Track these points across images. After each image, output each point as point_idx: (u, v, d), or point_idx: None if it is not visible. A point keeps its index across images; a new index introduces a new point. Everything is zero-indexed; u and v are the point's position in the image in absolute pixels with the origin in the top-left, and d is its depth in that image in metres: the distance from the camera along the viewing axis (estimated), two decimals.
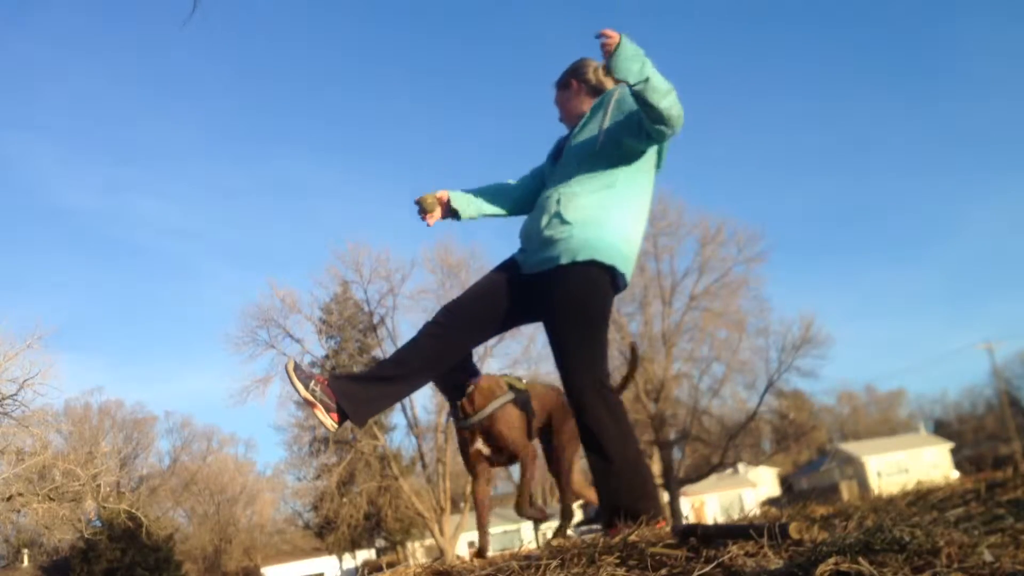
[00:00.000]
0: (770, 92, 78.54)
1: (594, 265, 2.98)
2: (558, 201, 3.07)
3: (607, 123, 3.07)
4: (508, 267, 3.21)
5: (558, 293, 3.01)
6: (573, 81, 3.35)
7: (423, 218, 3.28)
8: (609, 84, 3.29)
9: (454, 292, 33.23)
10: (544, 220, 3.08)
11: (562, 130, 3.42)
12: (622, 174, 3.08)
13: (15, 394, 22.56)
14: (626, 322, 33.25)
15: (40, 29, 66.84)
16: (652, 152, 3.15)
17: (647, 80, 2.79)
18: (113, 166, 73.98)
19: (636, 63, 2.79)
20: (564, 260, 2.98)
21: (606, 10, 73.24)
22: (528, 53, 79.88)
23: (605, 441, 2.97)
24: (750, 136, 77.45)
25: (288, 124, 77.60)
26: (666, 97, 2.84)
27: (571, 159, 3.15)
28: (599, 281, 3.00)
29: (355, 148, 78.10)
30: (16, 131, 69.25)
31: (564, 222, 3.02)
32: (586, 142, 3.12)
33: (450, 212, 3.33)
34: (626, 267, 3.08)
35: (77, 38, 70.20)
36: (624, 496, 2.92)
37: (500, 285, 3.16)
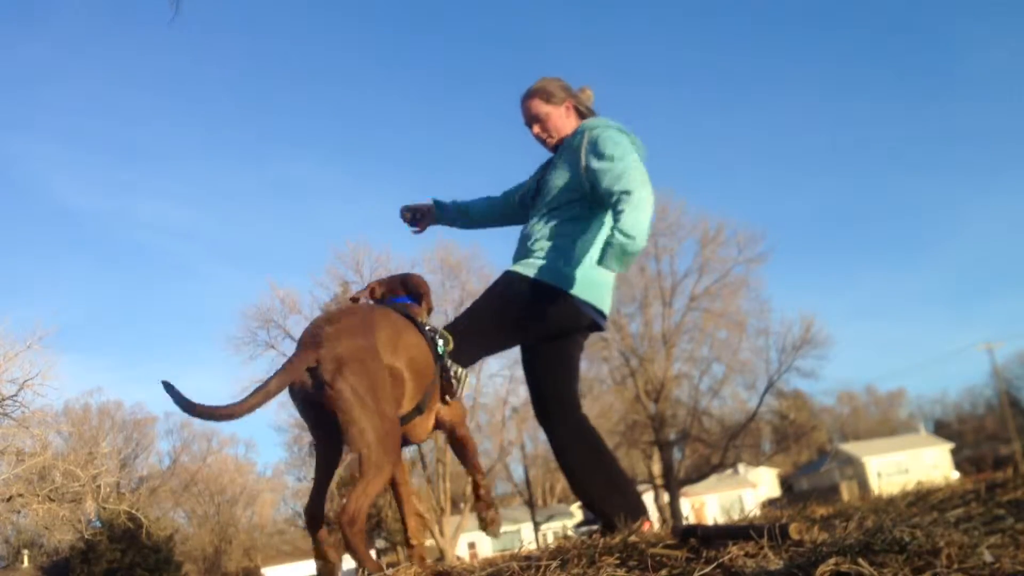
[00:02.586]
0: (771, 92, 78.62)
1: (540, 284, 3.06)
2: (532, 239, 3.18)
3: (585, 174, 3.10)
4: None
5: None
6: (570, 101, 3.34)
7: (413, 226, 3.60)
8: (591, 102, 3.38)
9: (454, 292, 33.38)
10: (518, 256, 3.22)
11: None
12: (593, 211, 3.15)
13: (15, 395, 22.60)
14: (626, 323, 33.26)
15: (43, 31, 66.97)
16: None
17: (635, 251, 2.89)
18: (116, 167, 74.12)
19: (623, 259, 2.88)
20: (529, 273, 3.10)
21: (612, 9, 73.39)
22: (529, 53, 79.90)
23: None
24: (751, 136, 77.51)
25: (289, 125, 77.71)
26: (643, 235, 2.91)
27: (548, 193, 3.22)
28: (537, 294, 3.06)
29: (355, 148, 78.20)
30: (19, 132, 69.38)
31: (533, 256, 3.13)
32: (564, 184, 3.17)
33: (436, 219, 3.60)
34: (590, 294, 3.09)
35: (80, 40, 70.28)
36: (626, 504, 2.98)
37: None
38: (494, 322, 3.11)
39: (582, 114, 3.35)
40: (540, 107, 3.33)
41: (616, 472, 3.07)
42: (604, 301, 3.15)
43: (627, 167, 3.01)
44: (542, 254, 3.10)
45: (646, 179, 3.02)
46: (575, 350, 3.21)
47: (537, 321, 3.09)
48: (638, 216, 2.89)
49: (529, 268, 3.09)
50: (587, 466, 3.07)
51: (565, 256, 3.09)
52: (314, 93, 78.32)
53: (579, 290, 3.06)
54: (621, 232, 2.84)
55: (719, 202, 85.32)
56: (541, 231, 3.16)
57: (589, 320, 3.14)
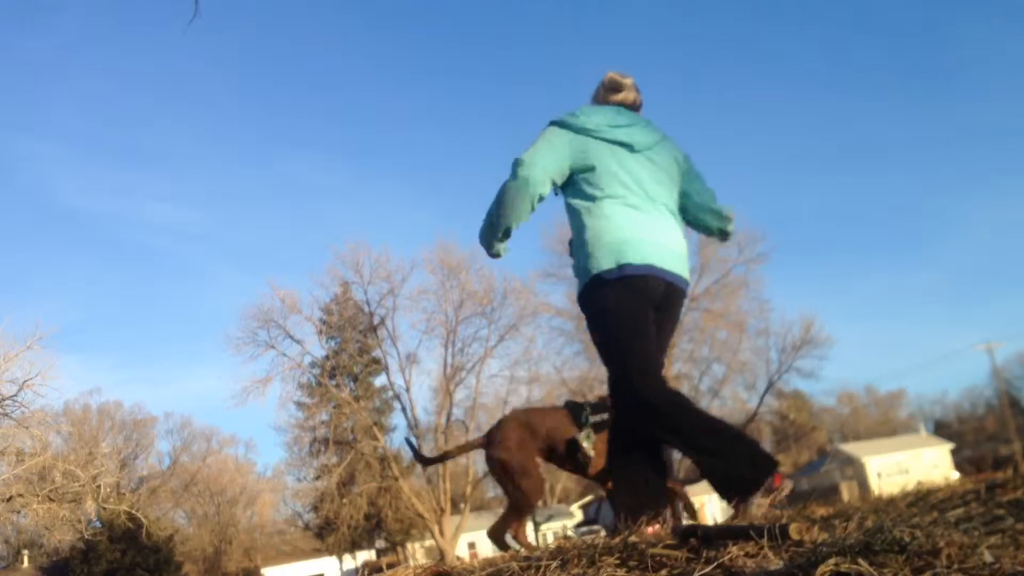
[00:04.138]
0: (772, 93, 78.61)
1: (585, 288, 3.18)
2: None
3: None
4: None
5: None
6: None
7: None
8: (611, 99, 3.40)
9: (454, 293, 33.45)
10: None
11: None
12: (574, 198, 3.26)
13: (15, 395, 22.59)
14: None
15: (49, 32, 67.03)
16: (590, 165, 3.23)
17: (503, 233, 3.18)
18: (118, 168, 74.21)
19: (488, 236, 3.21)
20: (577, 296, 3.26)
21: (614, 9, 73.38)
22: (534, 54, 79.96)
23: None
24: (751, 137, 77.52)
25: (289, 125, 77.72)
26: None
27: None
28: (592, 298, 3.16)
29: (356, 148, 78.19)
30: (25, 133, 69.49)
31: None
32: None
33: None
34: (609, 261, 3.10)
35: (83, 40, 70.35)
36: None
37: None
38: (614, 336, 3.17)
39: None
40: None
41: (635, 468, 3.15)
42: (634, 254, 3.09)
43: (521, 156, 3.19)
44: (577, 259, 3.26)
45: (522, 162, 3.12)
46: (661, 320, 3.23)
47: (613, 318, 3.12)
48: (488, 217, 3.20)
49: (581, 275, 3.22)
50: (619, 453, 3.22)
51: (577, 249, 3.21)
52: (315, 94, 78.40)
53: (601, 262, 3.08)
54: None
55: (719, 202, 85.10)
56: None
57: (649, 284, 3.12)
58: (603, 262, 3.07)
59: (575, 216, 3.19)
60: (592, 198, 3.16)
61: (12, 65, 65.18)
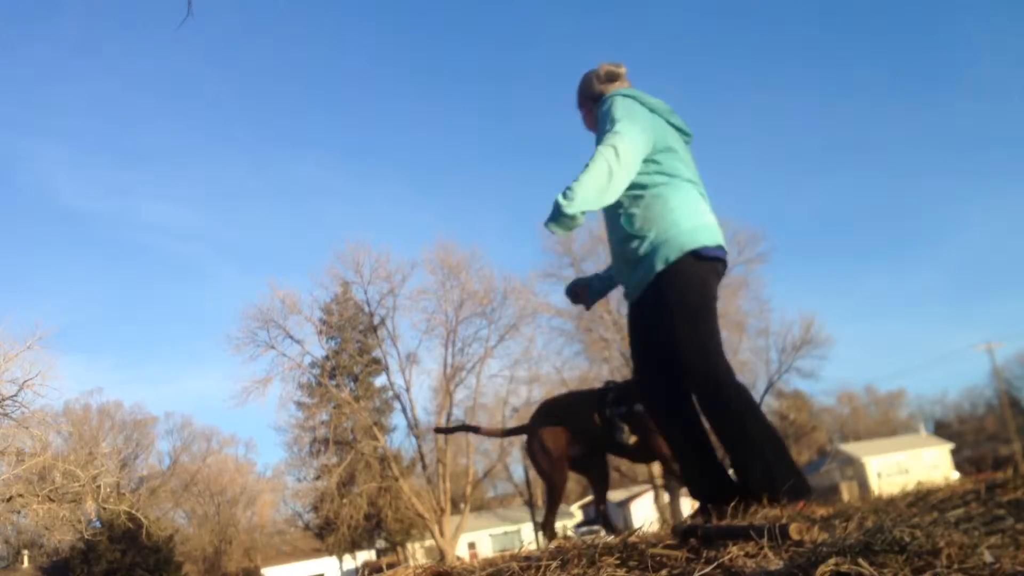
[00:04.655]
0: (771, 92, 78.58)
1: (679, 262, 3.02)
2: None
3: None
4: (631, 314, 3.35)
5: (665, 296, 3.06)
6: (587, 102, 3.39)
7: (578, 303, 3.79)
8: (609, 89, 3.32)
9: (454, 293, 33.43)
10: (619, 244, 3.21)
11: None
12: (652, 174, 3.10)
13: (15, 395, 22.59)
14: (627, 323, 33.21)
15: (50, 32, 67.03)
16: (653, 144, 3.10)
17: (567, 213, 2.82)
18: (118, 168, 74.25)
19: (556, 219, 2.85)
20: (660, 267, 3.03)
21: (612, 10, 73.38)
22: (534, 54, 79.95)
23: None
24: (751, 136, 77.47)
25: (289, 126, 77.71)
26: (583, 198, 2.84)
27: None
28: (688, 272, 3.04)
29: (356, 149, 78.20)
30: (23, 133, 69.47)
31: (637, 237, 3.08)
32: None
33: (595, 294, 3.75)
34: (708, 239, 3.06)
35: (84, 41, 70.36)
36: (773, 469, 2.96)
37: (635, 328, 3.35)
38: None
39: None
40: (582, 115, 3.46)
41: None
42: (724, 237, 3.13)
43: (611, 126, 3.00)
44: (660, 234, 3.09)
45: (622, 140, 2.94)
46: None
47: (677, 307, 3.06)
48: (585, 176, 2.85)
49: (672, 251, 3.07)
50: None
51: (664, 224, 3.08)
52: (315, 94, 78.42)
53: (702, 238, 3.05)
54: (565, 189, 2.83)
55: (719, 202, 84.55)
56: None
57: (721, 268, 3.13)
58: (704, 239, 3.03)
59: (656, 192, 3.06)
60: (674, 176, 3.10)
61: (13, 65, 65.20)
